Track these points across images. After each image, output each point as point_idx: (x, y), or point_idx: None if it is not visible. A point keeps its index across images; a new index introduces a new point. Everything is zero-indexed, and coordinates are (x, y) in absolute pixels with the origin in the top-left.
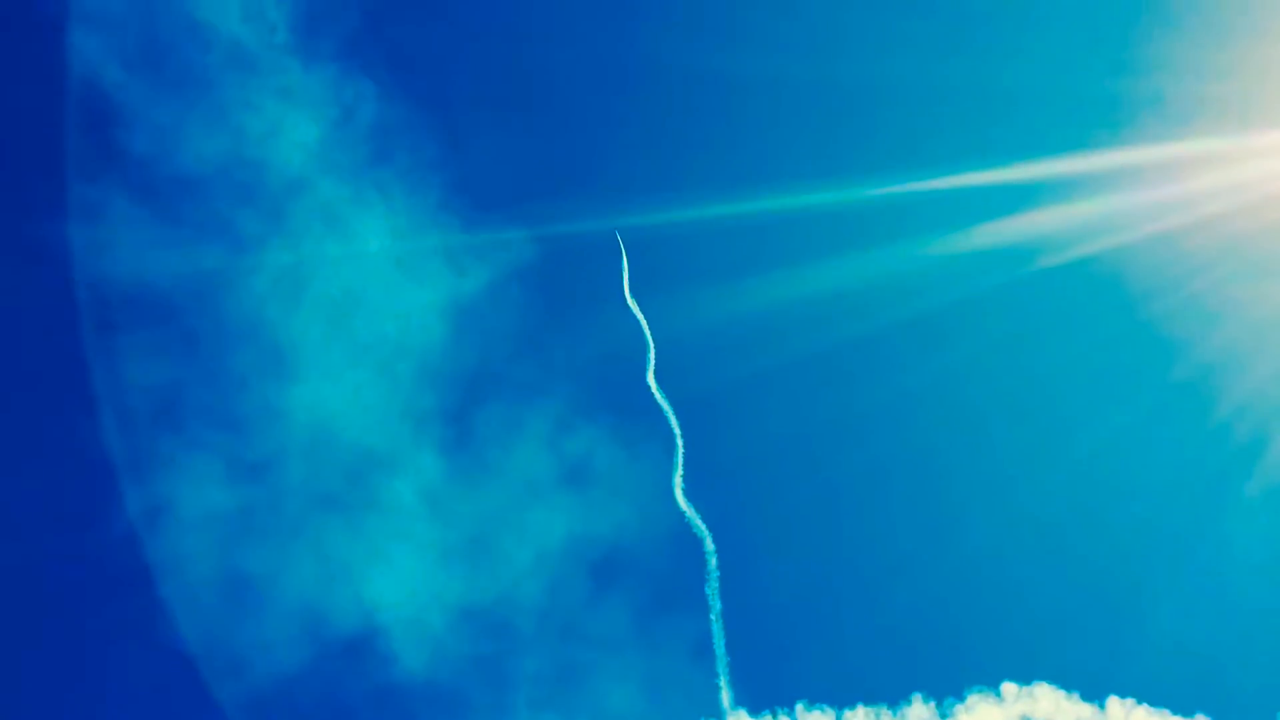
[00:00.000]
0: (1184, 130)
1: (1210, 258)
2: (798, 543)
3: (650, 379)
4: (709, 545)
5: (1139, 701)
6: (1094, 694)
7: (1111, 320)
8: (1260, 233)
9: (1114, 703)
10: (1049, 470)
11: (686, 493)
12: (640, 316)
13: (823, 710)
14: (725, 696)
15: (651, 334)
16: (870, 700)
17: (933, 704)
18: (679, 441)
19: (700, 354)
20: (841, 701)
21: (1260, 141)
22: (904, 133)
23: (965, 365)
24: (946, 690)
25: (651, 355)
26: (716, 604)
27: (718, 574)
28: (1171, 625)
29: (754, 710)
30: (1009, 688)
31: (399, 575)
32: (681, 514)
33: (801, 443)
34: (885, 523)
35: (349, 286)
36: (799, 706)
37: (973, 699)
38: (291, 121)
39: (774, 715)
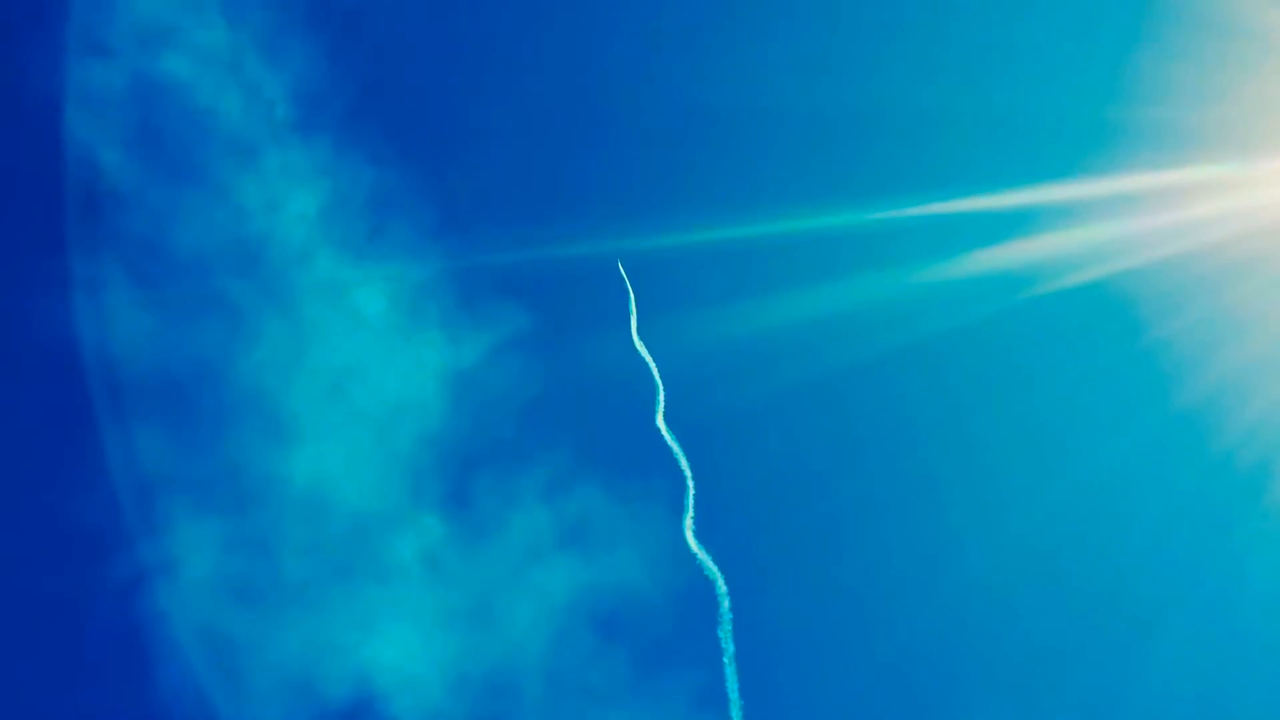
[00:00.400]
0: (1184, 157)
1: (1211, 285)
2: (800, 579)
3: (660, 421)
4: (721, 587)
5: None
6: None
7: (1110, 347)
8: (1261, 260)
9: None
10: (1048, 501)
11: (695, 534)
12: (649, 358)
13: None
14: None
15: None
16: None
17: None
18: (690, 483)
19: (686, 382)
20: None
21: (1262, 169)
22: (899, 157)
23: (960, 394)
24: None
25: (661, 397)
26: (729, 647)
27: (730, 617)
28: (1176, 660)
29: None
30: None
31: (399, 641)
32: (693, 557)
33: (797, 475)
34: (884, 558)
35: (348, 356)
36: None
37: None
38: (290, 195)
39: None
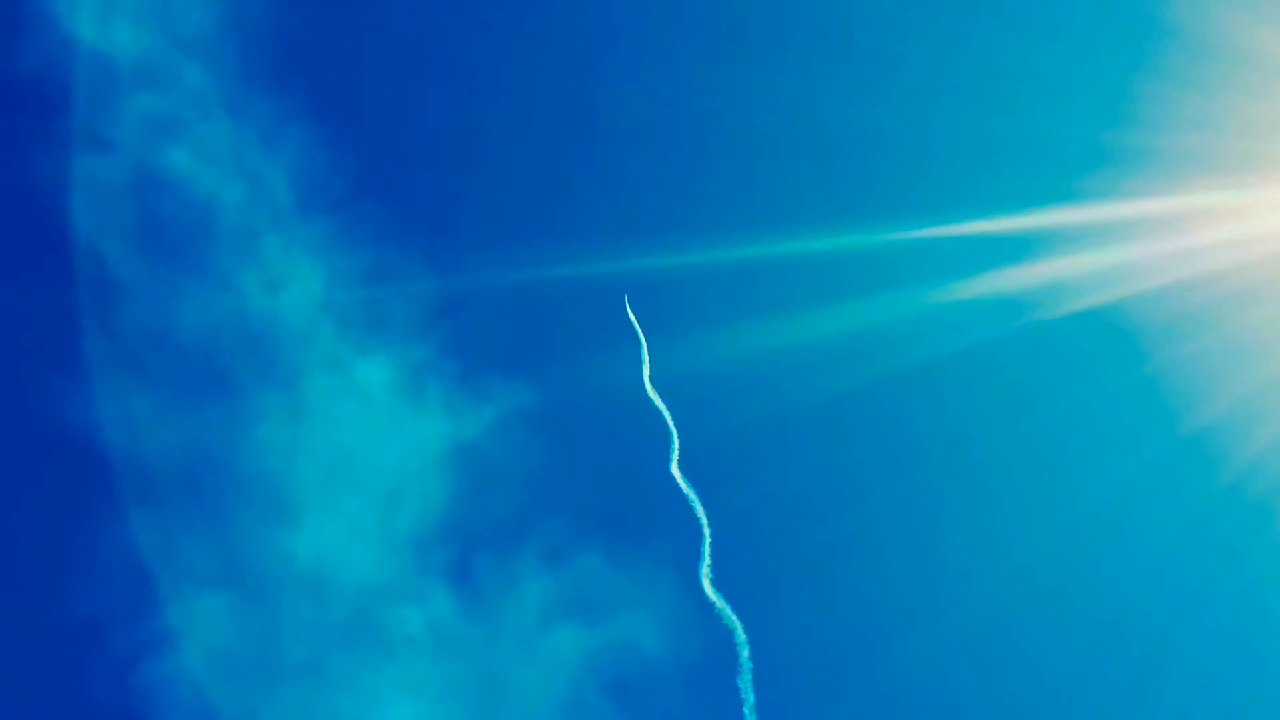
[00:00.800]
0: (1189, 183)
1: (1217, 311)
2: (810, 615)
3: (674, 469)
4: (740, 635)
5: None
6: None
7: (1115, 372)
8: (1265, 287)
9: None
10: (1055, 527)
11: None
12: (661, 406)
13: None
14: None
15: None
16: None
17: None
18: (706, 531)
19: (686, 404)
20: None
21: (1266, 195)
22: (905, 180)
23: (961, 420)
24: None
25: (675, 444)
26: (749, 697)
27: (750, 665)
28: (1183, 686)
29: None
30: None
31: (408, 716)
32: (710, 607)
33: (803, 504)
34: (894, 590)
35: (350, 433)
36: None
37: None
38: (290, 276)
39: None
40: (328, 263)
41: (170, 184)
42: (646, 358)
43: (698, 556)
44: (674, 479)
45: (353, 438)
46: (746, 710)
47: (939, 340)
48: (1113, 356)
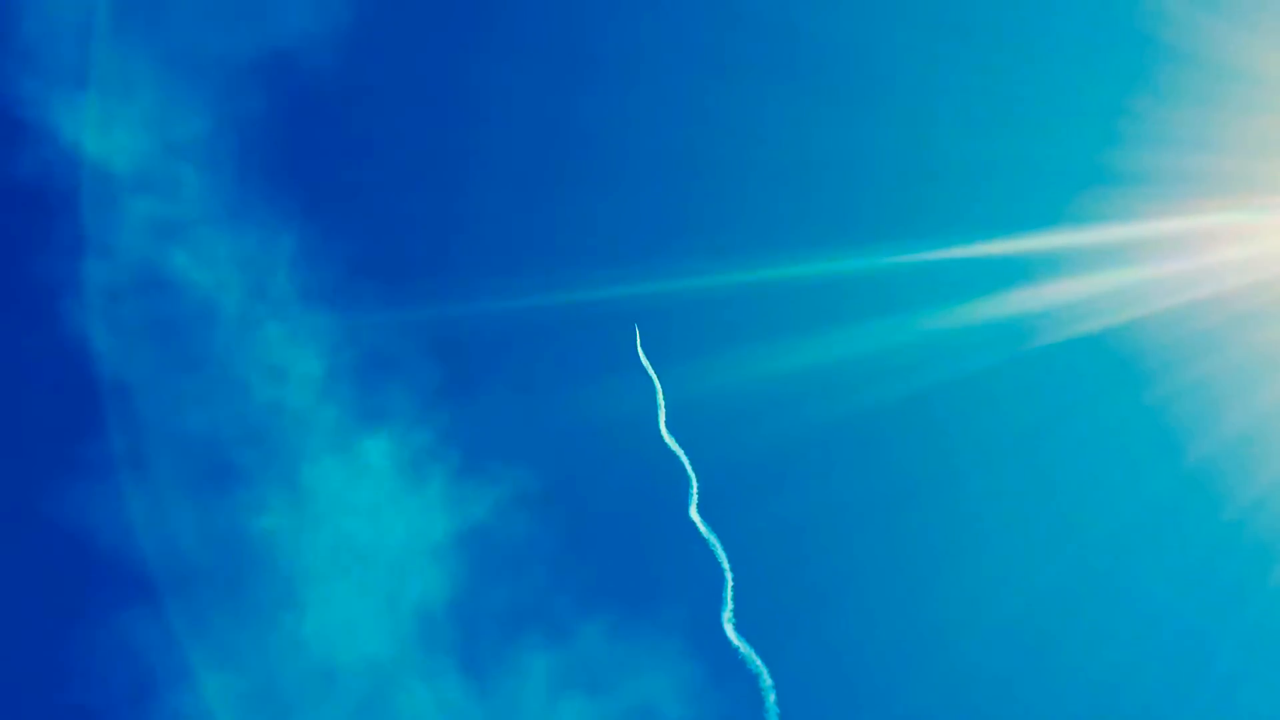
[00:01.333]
0: (1195, 205)
1: (1222, 334)
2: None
3: (693, 513)
4: (766, 680)
5: None
6: None
7: (1120, 400)
8: (1271, 309)
9: None
10: (1052, 561)
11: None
12: (679, 451)
13: None
14: None
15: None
16: None
17: None
18: (728, 575)
19: (680, 431)
20: None
21: (1271, 217)
22: (904, 203)
23: (959, 449)
24: None
25: (694, 488)
26: None
27: (777, 711)
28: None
29: None
30: None
31: None
32: (735, 650)
33: (798, 536)
34: (885, 624)
35: (356, 518)
36: None
37: None
38: (293, 365)
39: None
40: (329, 350)
41: (171, 284)
42: (662, 403)
43: (712, 610)
44: (694, 524)
45: (358, 524)
46: None
47: (941, 365)
48: (1120, 380)
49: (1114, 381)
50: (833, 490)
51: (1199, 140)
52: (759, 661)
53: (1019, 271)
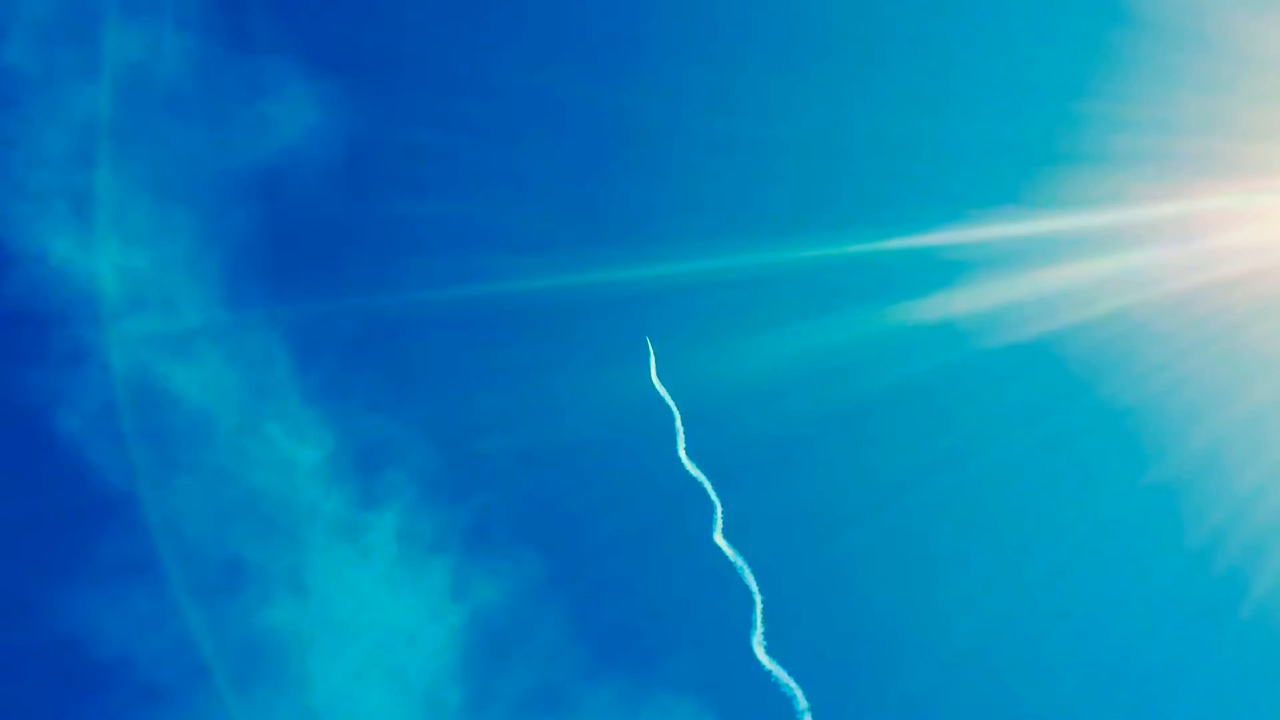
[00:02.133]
0: (1189, 189)
1: (1218, 321)
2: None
3: (718, 537)
4: (801, 703)
5: None
6: None
7: (1113, 388)
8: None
9: None
10: (1025, 566)
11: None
12: (701, 477)
13: None
14: None
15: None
16: None
17: None
18: (757, 598)
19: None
20: None
21: (1268, 200)
22: (890, 188)
23: (932, 446)
24: None
25: (719, 513)
26: None
27: None
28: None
29: None
30: None
31: None
32: (767, 674)
33: (780, 537)
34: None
35: (362, 606)
36: None
37: None
38: (297, 457)
39: None
40: (332, 440)
41: (173, 393)
42: (681, 429)
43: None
44: (719, 549)
45: (364, 612)
46: None
47: (923, 357)
48: (1112, 368)
49: (1106, 370)
50: (809, 491)
51: (1194, 124)
52: (791, 683)
53: (1009, 258)
